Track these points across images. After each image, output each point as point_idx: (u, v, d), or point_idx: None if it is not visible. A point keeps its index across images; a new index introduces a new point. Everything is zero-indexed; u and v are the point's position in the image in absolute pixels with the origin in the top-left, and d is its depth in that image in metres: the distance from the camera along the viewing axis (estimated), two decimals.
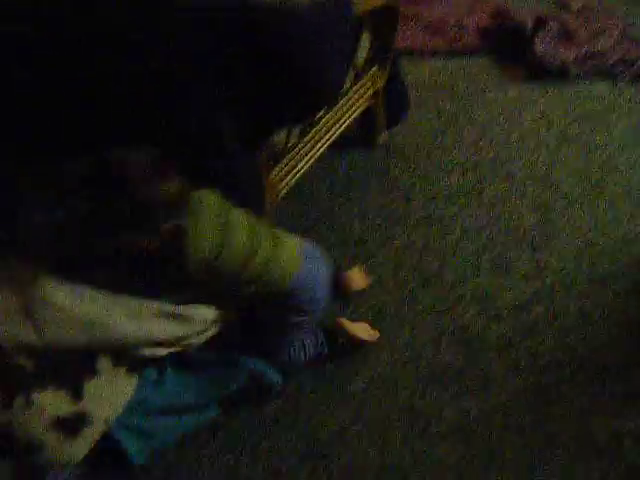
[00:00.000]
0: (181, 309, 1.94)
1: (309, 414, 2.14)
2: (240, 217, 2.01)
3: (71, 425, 1.80)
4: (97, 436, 1.85)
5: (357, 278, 2.50)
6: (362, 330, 2.28)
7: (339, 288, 2.44)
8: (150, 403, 1.99)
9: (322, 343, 2.23)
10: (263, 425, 2.12)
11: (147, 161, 1.80)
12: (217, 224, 1.92)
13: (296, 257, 2.04)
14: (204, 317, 1.99)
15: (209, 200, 1.98)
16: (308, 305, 2.10)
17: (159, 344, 1.93)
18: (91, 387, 1.85)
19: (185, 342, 1.98)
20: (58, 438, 1.78)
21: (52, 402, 1.78)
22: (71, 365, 1.83)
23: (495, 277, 2.57)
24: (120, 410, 1.90)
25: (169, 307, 1.93)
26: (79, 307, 1.83)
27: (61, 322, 1.79)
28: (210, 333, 2.04)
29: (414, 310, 2.44)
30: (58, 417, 1.77)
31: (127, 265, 1.92)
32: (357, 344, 2.27)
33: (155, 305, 1.92)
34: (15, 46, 1.76)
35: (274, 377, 2.12)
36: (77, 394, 1.82)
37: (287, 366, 2.17)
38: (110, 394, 1.89)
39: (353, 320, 2.32)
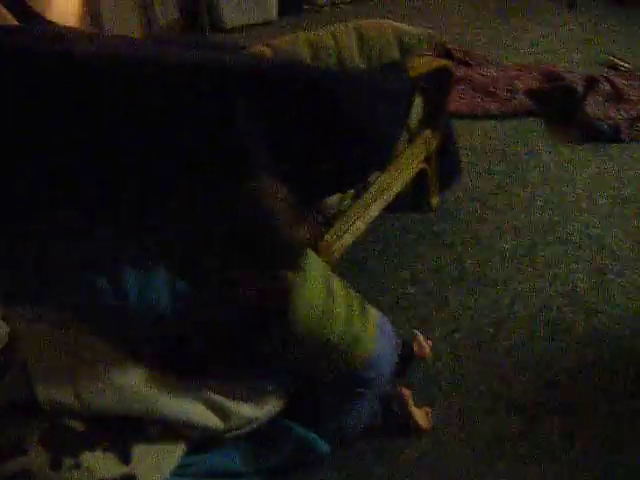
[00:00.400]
0: (224, 402, 1.94)
1: None
2: (337, 282, 2.02)
3: None
4: None
5: (422, 346, 2.45)
6: (421, 415, 2.21)
7: (408, 358, 2.39)
8: (196, 468, 1.96)
9: (377, 413, 2.18)
10: None
11: (293, 202, 1.82)
12: (323, 285, 1.94)
13: (376, 332, 2.05)
14: (244, 416, 1.99)
15: (316, 259, 2.00)
16: (375, 380, 2.08)
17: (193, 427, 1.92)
18: (139, 450, 1.83)
19: (218, 436, 1.99)
20: None
21: (101, 464, 1.76)
22: (120, 428, 1.83)
23: (551, 341, 2.50)
24: (167, 474, 1.88)
25: (214, 397, 1.94)
26: (123, 377, 1.84)
27: (103, 391, 1.80)
28: (246, 430, 2.03)
29: (469, 375, 2.38)
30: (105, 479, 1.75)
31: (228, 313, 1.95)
32: (409, 424, 2.20)
33: (201, 391, 1.92)
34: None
35: (323, 447, 2.08)
36: (125, 457, 1.81)
37: (338, 434, 2.13)
38: (158, 458, 1.87)
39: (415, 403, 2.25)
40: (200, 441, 1.97)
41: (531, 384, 2.34)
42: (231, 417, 1.95)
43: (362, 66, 2.27)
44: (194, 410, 1.90)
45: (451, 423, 2.23)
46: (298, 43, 2.22)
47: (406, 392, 2.21)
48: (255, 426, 2.02)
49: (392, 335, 2.17)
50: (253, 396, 2.01)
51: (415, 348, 2.40)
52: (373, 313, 2.11)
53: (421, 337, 2.45)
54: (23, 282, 1.95)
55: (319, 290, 1.94)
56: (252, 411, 2.00)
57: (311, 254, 1.98)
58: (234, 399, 1.97)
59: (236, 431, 1.99)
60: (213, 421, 1.93)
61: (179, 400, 1.88)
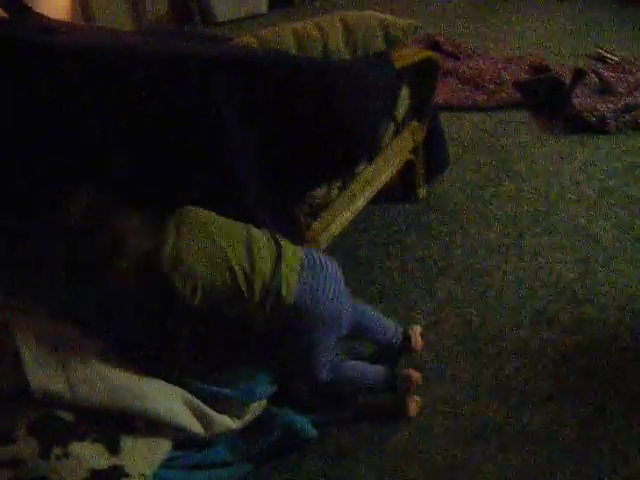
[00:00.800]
0: (207, 411, 1.96)
1: (348, 467, 2.11)
2: (236, 227, 1.96)
3: (107, 478, 1.79)
4: None
5: (418, 340, 2.46)
6: (413, 403, 2.24)
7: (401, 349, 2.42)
8: (184, 460, 1.98)
9: (380, 376, 2.24)
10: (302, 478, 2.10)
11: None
12: (204, 238, 1.89)
13: (295, 275, 1.95)
14: (224, 425, 2.01)
15: (191, 215, 1.94)
16: (314, 330, 1.99)
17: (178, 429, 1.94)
18: (128, 442, 1.85)
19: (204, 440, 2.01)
20: None
21: (89, 454, 1.78)
22: (109, 419, 1.84)
23: (536, 330, 2.52)
24: (156, 466, 1.89)
25: (198, 404, 1.95)
26: (113, 373, 1.85)
27: (93, 382, 1.81)
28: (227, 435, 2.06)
29: (454, 363, 2.41)
30: (94, 470, 1.77)
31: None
32: (401, 405, 2.24)
33: (186, 394, 1.95)
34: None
35: (309, 432, 2.10)
36: (114, 448, 1.82)
37: (320, 387, 2.15)
38: (147, 450, 1.89)
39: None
40: (186, 440, 1.99)
41: (515, 372, 2.36)
42: (213, 426, 1.98)
43: (348, 57, 2.28)
44: (179, 412, 1.91)
45: (436, 411, 2.25)
46: (284, 34, 2.22)
47: (415, 375, 2.23)
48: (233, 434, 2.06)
49: (331, 275, 2.04)
50: (234, 409, 2.03)
51: (412, 341, 2.42)
52: (295, 253, 2.00)
53: (419, 331, 2.47)
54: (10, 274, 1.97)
55: (196, 243, 1.88)
56: (232, 422, 2.02)
57: (183, 214, 1.92)
58: (216, 411, 1.99)
59: (217, 437, 2.02)
60: (196, 427, 1.95)
61: (165, 400, 1.90)
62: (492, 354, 2.43)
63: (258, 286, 1.88)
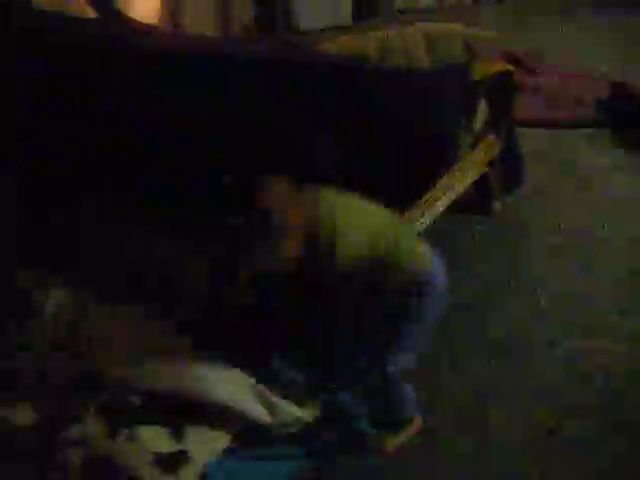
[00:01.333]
0: (270, 396, 1.99)
1: (406, 466, 2.09)
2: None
3: (170, 463, 1.84)
4: (193, 478, 1.87)
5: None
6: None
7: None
8: (244, 453, 2.02)
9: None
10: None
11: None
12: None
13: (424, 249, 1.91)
14: (289, 412, 2.03)
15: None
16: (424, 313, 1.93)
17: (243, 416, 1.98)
18: (193, 430, 1.90)
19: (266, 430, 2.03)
20: (156, 474, 1.82)
21: (155, 438, 1.84)
22: (176, 407, 1.89)
23: (585, 340, 2.51)
24: (219, 454, 1.93)
25: (262, 390, 1.99)
26: (182, 359, 1.91)
27: (162, 369, 1.88)
28: (292, 429, 2.07)
29: (506, 377, 2.38)
30: (158, 453, 1.82)
31: None
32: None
33: (254, 382, 1.99)
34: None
35: (369, 431, 2.12)
36: (179, 434, 1.87)
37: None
38: (210, 438, 1.93)
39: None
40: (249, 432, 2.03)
41: (564, 382, 2.35)
42: (277, 412, 2.00)
43: (428, 67, 2.30)
44: (245, 399, 1.95)
45: (494, 415, 2.25)
46: (366, 41, 2.26)
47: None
48: (300, 426, 2.07)
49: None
50: (296, 395, 2.06)
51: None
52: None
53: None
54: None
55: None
56: (295, 410, 2.05)
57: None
58: (279, 396, 2.02)
59: (284, 428, 2.04)
60: (262, 413, 1.98)
61: (231, 388, 1.94)
62: (541, 364, 2.43)
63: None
